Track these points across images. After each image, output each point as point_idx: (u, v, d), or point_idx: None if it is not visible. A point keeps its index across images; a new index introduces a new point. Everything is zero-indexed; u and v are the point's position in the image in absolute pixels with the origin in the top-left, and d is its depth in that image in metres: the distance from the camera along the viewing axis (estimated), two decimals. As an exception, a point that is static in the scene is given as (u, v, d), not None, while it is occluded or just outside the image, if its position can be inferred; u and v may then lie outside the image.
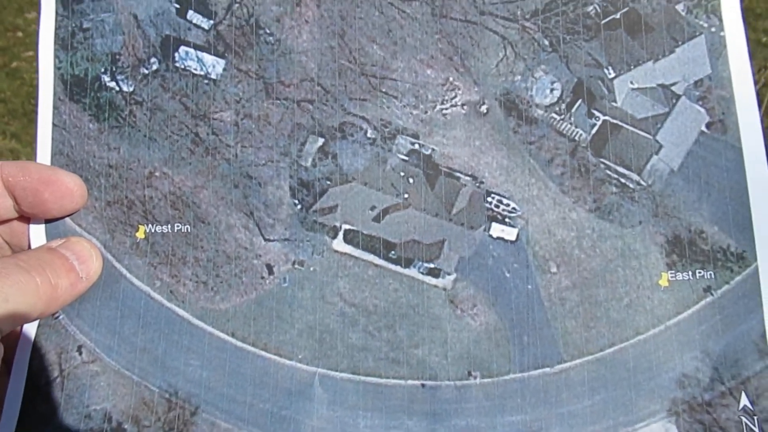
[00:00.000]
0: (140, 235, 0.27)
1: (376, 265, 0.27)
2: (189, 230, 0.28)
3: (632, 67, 0.28)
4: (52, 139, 0.28)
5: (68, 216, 0.27)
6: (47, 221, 0.27)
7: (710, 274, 0.26)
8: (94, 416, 0.25)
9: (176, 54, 0.29)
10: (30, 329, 0.26)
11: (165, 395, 0.26)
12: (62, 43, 0.28)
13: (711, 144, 0.27)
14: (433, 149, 0.28)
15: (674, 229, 0.27)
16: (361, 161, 0.28)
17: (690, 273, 0.26)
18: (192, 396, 0.26)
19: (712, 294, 0.26)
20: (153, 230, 0.27)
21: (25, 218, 0.27)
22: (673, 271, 0.27)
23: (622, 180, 0.28)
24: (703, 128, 0.28)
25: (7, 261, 0.24)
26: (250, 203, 0.28)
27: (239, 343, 0.27)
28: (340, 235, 0.28)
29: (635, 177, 0.28)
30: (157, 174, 0.28)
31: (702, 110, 0.28)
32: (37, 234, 0.27)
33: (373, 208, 0.28)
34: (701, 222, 0.27)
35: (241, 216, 0.28)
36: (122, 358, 0.26)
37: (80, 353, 0.26)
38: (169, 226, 0.28)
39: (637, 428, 0.25)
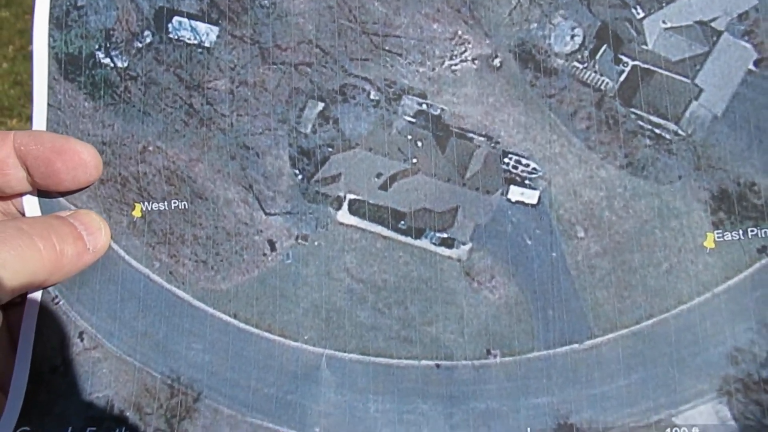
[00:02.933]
0: (137, 213, 0.26)
1: (385, 237, 0.25)
2: (186, 206, 0.26)
3: (664, 4, 0.25)
4: (48, 119, 0.27)
5: (83, 188, 0.26)
6: (46, 196, 0.26)
7: (764, 233, 0.23)
8: (96, 404, 0.24)
9: (170, 25, 0.27)
10: (32, 315, 0.25)
11: (167, 381, 0.25)
12: (57, 22, 0.27)
13: (761, 83, 0.24)
14: (442, 109, 0.26)
15: (720, 182, 0.24)
16: (365, 125, 0.26)
17: (740, 232, 0.23)
18: (194, 381, 0.25)
19: (767, 255, 0.23)
20: (149, 208, 0.26)
21: (42, 193, 0.26)
22: (720, 231, 0.23)
23: (657, 131, 0.24)
24: (751, 66, 0.24)
25: (8, 224, 0.23)
26: (248, 175, 0.26)
27: (242, 325, 0.25)
28: (345, 205, 0.26)
29: (672, 126, 0.24)
30: (150, 148, 0.27)
31: (748, 46, 0.24)
32: (32, 208, 0.26)
33: (379, 175, 0.26)
34: (752, 173, 0.23)
35: (240, 189, 0.26)
36: (123, 343, 0.25)
37: (82, 339, 0.25)
38: (166, 203, 0.26)
39: (682, 410, 0.22)
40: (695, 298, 0.23)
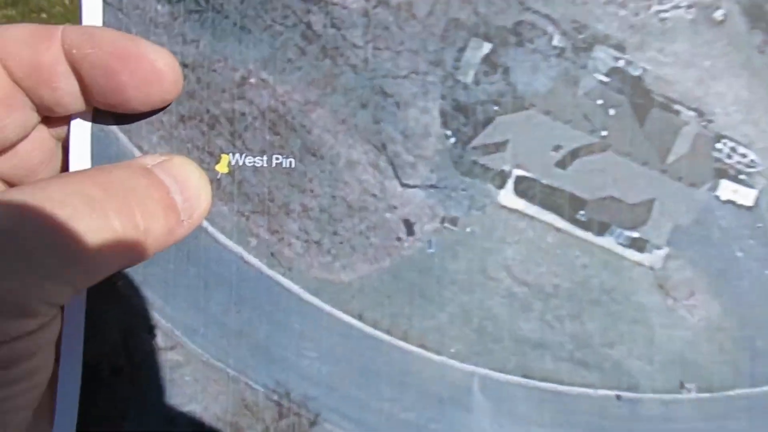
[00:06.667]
0: (222, 168, 0.19)
1: (558, 230, 0.20)
2: (293, 165, 0.19)
3: None
4: (103, 22, 0.19)
5: (157, 111, 0.19)
6: (102, 121, 0.19)
7: None
8: (179, 421, 0.18)
9: None
10: (79, 300, 0.18)
11: (273, 397, 0.19)
12: None
13: None
14: (644, 69, 0.20)
15: None
16: (543, 80, 0.20)
17: None
18: (309, 399, 0.19)
19: None
20: (241, 162, 0.19)
21: (99, 113, 0.19)
22: None
23: None
24: None
25: (74, 190, 0.15)
26: (382, 131, 0.19)
27: (369, 329, 0.19)
28: (510, 183, 0.20)
29: None
30: (252, 80, 0.19)
31: None
32: (80, 141, 0.18)
33: (557, 148, 0.20)
34: None
35: (369, 149, 0.20)
36: (211, 344, 0.19)
37: (153, 335, 0.19)
38: (265, 158, 0.19)
39: None
40: None
